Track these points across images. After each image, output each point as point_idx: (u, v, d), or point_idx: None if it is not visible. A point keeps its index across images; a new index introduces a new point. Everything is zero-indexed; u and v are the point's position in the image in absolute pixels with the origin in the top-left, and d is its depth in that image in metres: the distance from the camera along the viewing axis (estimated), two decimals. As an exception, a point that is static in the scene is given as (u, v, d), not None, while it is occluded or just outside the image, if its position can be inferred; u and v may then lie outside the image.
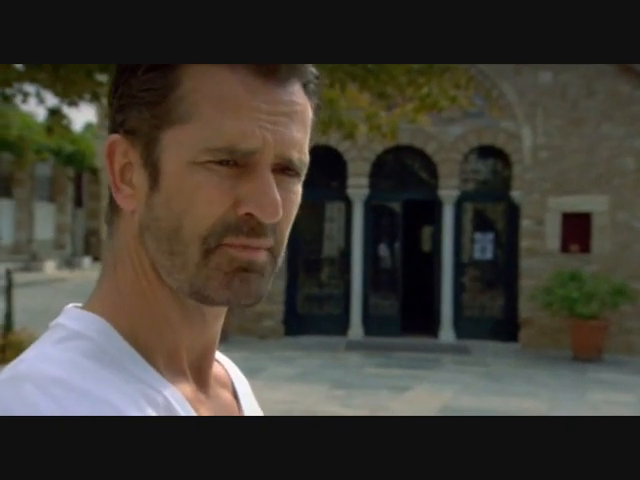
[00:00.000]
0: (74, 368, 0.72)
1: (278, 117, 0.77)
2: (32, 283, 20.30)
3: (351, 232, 13.12)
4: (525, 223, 12.70)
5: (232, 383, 0.94)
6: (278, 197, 0.76)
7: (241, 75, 0.76)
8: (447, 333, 12.94)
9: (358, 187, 12.99)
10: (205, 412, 0.83)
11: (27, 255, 26.27)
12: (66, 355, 0.73)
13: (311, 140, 0.83)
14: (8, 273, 8.68)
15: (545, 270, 12.44)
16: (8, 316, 8.44)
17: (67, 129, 8.14)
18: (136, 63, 0.79)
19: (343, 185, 13.12)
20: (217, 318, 0.85)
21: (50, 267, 26.06)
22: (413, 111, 7.32)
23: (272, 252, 0.80)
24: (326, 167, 13.12)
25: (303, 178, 0.82)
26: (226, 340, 12.30)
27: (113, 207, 0.83)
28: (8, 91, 7.55)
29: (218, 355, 0.95)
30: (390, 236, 13.43)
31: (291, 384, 9.30)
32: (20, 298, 12.00)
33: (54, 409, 0.67)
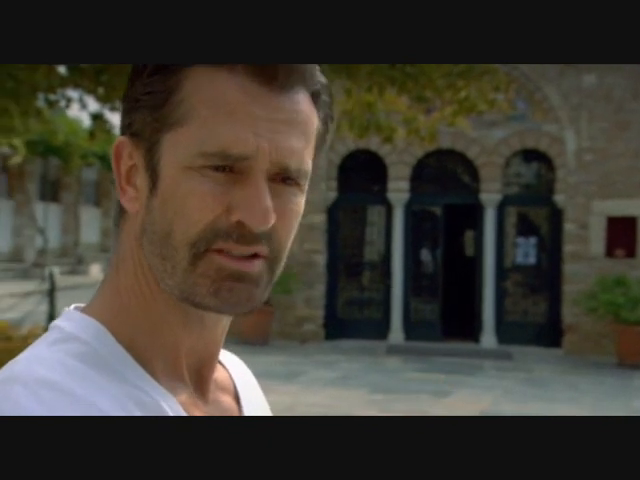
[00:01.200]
0: (63, 370, 0.72)
1: (276, 124, 0.76)
2: (78, 286, 20.59)
3: (392, 236, 13.08)
4: (569, 227, 12.52)
5: (235, 387, 0.93)
6: (269, 205, 0.75)
7: (240, 79, 0.76)
8: (489, 338, 12.81)
9: (399, 191, 12.94)
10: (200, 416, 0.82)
11: (73, 258, 26.67)
12: (57, 357, 0.74)
13: (318, 151, 0.82)
14: (50, 276, 8.82)
15: (589, 275, 12.26)
16: (51, 318, 8.59)
17: (109, 134, 8.25)
18: (144, 64, 0.80)
19: (384, 189, 13.08)
20: (217, 323, 0.84)
21: (95, 270, 26.41)
22: (451, 115, 7.27)
23: (269, 261, 0.79)
24: (366, 171, 13.11)
25: (305, 188, 0.81)
26: (266, 344, 12.35)
27: (120, 209, 0.84)
28: (52, 97, 7.69)
29: (224, 356, 0.95)
30: (431, 240, 13.35)
31: (330, 388, 9.30)
32: (65, 300, 12.16)
33: (39, 410, 0.68)
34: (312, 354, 11.73)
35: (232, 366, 0.96)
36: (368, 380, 9.96)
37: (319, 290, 12.89)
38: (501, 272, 12.95)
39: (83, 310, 0.83)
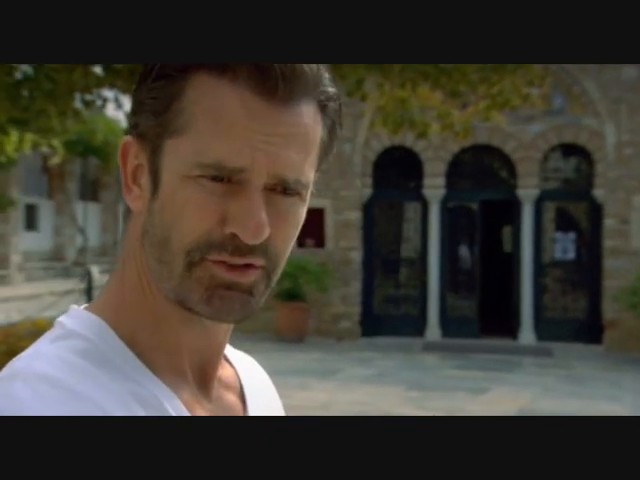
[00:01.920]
0: (64, 366, 0.73)
1: (274, 138, 0.76)
2: (117, 284, 20.81)
3: (428, 233, 13.02)
4: (608, 222, 12.36)
5: (240, 385, 0.93)
6: (263, 218, 0.75)
7: (241, 92, 0.75)
8: (527, 335, 12.69)
9: (434, 187, 12.88)
10: (201, 413, 0.83)
11: (112, 257, 26.95)
12: (58, 353, 0.75)
13: (323, 160, 0.82)
14: (87, 274, 8.94)
15: (630, 270, 12.09)
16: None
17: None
18: (151, 67, 0.80)
19: (419, 185, 13.02)
20: (218, 323, 0.84)
21: (134, 268, 26.66)
22: (485, 109, 7.20)
23: (265, 271, 0.79)
24: (402, 167, 13.06)
25: (307, 198, 0.81)
26: (302, 341, 12.38)
27: (128, 207, 0.85)
28: (88, 97, 7.78)
29: (233, 355, 0.95)
30: (468, 236, 13.26)
31: (367, 385, 9.28)
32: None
33: (38, 405, 0.69)
34: (348, 351, 11.72)
35: (241, 364, 0.96)
36: (404, 377, 9.93)
37: (355, 287, 12.88)
38: (539, 268, 12.82)
39: (87, 307, 0.84)
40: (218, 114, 0.75)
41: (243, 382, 0.93)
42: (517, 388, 9.43)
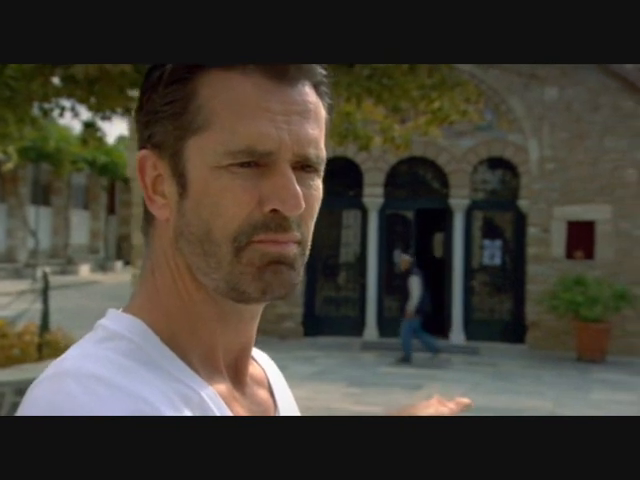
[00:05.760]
0: (113, 366, 0.72)
1: (292, 116, 0.76)
2: (68, 285, 20.42)
3: (367, 238, 13.11)
4: (532, 231, 12.63)
5: (268, 381, 0.92)
6: (299, 191, 0.75)
7: (253, 78, 0.76)
8: (457, 335, 12.87)
9: (373, 196, 12.98)
10: (240, 410, 0.82)
11: (63, 259, 26.46)
12: (105, 354, 0.74)
13: (326, 139, 0.82)
14: (44, 275, 8.73)
15: (551, 275, 12.36)
16: (45, 316, 8.48)
17: (100, 141, 8.19)
18: (158, 78, 0.79)
19: (359, 194, 13.11)
20: (253, 318, 0.84)
21: (85, 270, 26.21)
22: (425, 124, 7.29)
23: (300, 246, 0.79)
24: (343, 177, 13.12)
25: (322, 174, 0.81)
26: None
27: (148, 217, 0.83)
28: (46, 106, 7.61)
29: (255, 353, 0.94)
30: (403, 242, 13.39)
31: (310, 382, 9.28)
32: (56, 299, 12.07)
33: (93, 404, 0.67)
34: (292, 350, 11.70)
35: (265, 363, 0.96)
36: (345, 374, 9.96)
37: (298, 289, 12.85)
38: (469, 272, 13.02)
39: (124, 311, 0.82)
40: (238, 103, 0.75)
41: (269, 377, 0.93)
42: (449, 384, 9.54)
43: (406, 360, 10.99)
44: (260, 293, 0.77)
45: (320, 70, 0.80)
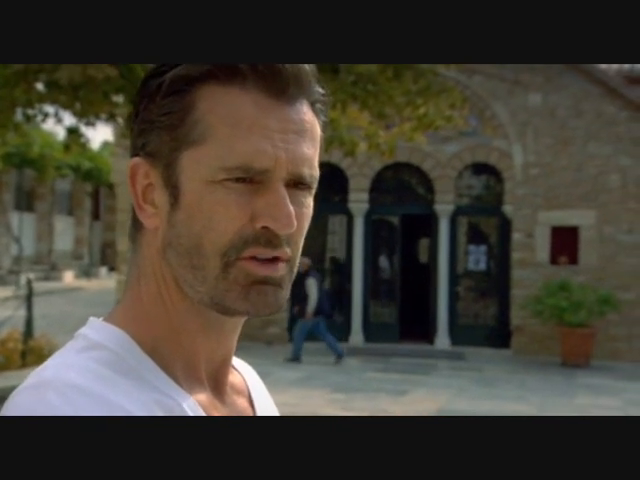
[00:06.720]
0: (93, 376, 0.72)
1: (289, 135, 0.76)
2: (52, 292, 20.28)
3: (352, 244, 13.13)
4: (516, 236, 12.69)
5: (248, 389, 0.93)
6: (292, 210, 0.76)
7: (252, 95, 0.76)
8: (443, 340, 12.90)
9: (359, 202, 13.00)
10: None
11: (47, 265, 26.29)
12: (86, 364, 0.74)
13: (320, 156, 0.82)
14: (28, 282, 8.68)
15: (535, 280, 12.43)
16: (28, 323, 8.44)
17: (84, 147, 8.15)
18: (157, 87, 0.79)
19: (345, 200, 13.12)
20: (234, 330, 0.84)
21: (69, 277, 26.05)
22: (410, 130, 7.32)
23: (289, 263, 0.79)
24: (328, 183, 13.11)
25: (314, 191, 0.81)
26: (234, 346, 12.27)
27: (136, 225, 0.83)
28: (30, 112, 7.58)
29: (236, 361, 0.94)
30: (389, 248, 13.42)
31: (295, 388, 9.27)
32: (40, 306, 11.99)
33: (72, 413, 0.68)
34: (277, 355, 11.68)
35: (245, 371, 0.96)
36: (330, 380, 9.96)
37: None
38: (454, 278, 13.06)
39: (106, 320, 0.82)
40: (235, 118, 0.75)
41: (250, 387, 0.93)
42: (434, 389, 9.56)
43: (295, 360, 11.06)
44: (244, 311, 0.78)
45: (318, 88, 0.81)
